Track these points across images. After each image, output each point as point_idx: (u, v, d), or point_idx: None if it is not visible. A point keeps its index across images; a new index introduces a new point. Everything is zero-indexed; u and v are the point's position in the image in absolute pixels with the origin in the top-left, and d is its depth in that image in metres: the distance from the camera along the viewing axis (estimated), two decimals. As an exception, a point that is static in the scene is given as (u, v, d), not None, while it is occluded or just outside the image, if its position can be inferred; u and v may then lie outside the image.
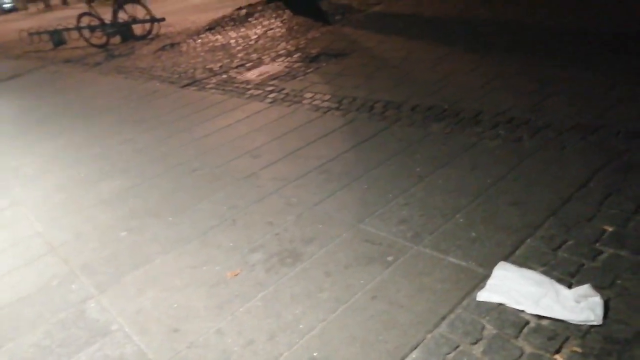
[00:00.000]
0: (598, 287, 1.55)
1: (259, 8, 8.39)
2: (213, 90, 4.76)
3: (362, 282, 1.84)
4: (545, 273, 1.67)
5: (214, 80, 5.10)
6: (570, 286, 1.59)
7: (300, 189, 2.61)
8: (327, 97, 3.84)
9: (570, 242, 1.80)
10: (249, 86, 4.59)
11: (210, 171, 3.05)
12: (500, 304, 1.59)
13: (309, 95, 3.98)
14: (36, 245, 2.61)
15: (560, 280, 1.62)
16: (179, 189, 2.91)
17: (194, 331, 1.78)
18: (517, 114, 2.84)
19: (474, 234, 1.95)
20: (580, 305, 1.47)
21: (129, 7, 9.30)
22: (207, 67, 5.74)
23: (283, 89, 4.27)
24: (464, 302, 1.64)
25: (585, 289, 1.53)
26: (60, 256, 2.46)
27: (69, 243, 2.56)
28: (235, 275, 2.02)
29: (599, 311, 1.45)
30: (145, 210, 2.75)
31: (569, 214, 1.95)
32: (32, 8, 35.83)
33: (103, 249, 2.44)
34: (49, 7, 32.91)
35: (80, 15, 9.57)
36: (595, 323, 1.43)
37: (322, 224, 2.25)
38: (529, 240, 1.85)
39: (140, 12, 9.20)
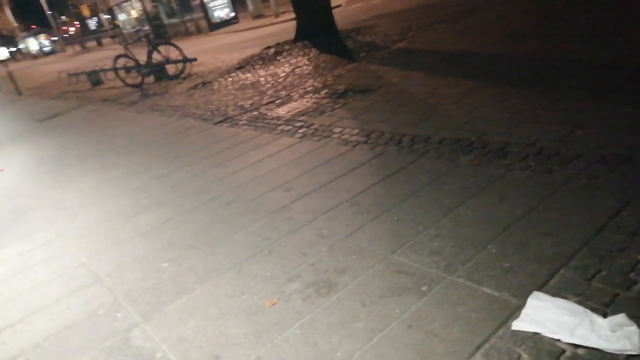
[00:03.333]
0: (634, 317, 1.56)
1: (287, 47, 8.71)
2: (245, 127, 4.94)
3: (397, 311, 1.88)
4: (580, 303, 1.69)
5: (245, 116, 5.30)
6: (605, 315, 1.60)
7: (332, 221, 2.68)
8: (356, 131, 3.95)
9: (604, 272, 1.81)
10: (279, 122, 4.75)
11: (244, 204, 3.16)
12: (536, 333, 1.61)
13: (337, 129, 4.10)
14: (81, 276, 2.73)
15: (594, 310, 1.63)
16: (215, 221, 3.03)
17: (235, 358, 1.84)
18: (547, 145, 2.88)
19: (506, 264, 1.98)
20: (616, 335, 1.48)
21: (162, 48, 9.76)
22: (239, 104, 5.96)
23: (312, 124, 4.41)
24: (499, 332, 1.67)
25: (620, 318, 1.54)
26: (105, 286, 2.57)
27: (113, 273, 2.68)
28: (273, 304, 2.09)
29: (636, 340, 1.46)
30: (182, 242, 2.87)
31: (602, 244, 1.96)
32: (69, 50, 37.78)
33: (145, 279, 2.55)
34: (85, 49, 34.64)
35: (117, 57, 10.08)
36: (632, 352, 1.44)
37: (354, 255, 2.32)
38: (562, 271, 1.87)
39: (173, 53, 9.64)
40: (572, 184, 2.44)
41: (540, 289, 1.80)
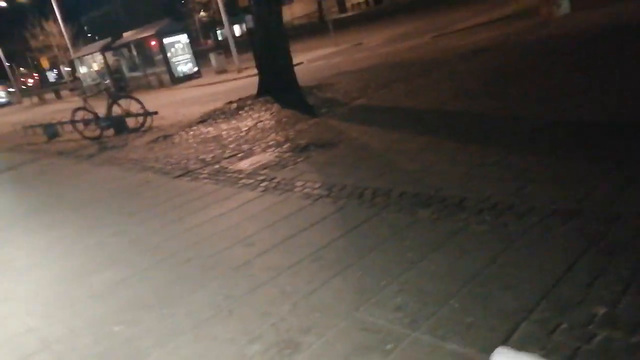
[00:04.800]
0: (594, 371, 1.58)
1: (249, 102, 8.85)
2: (206, 180, 4.90)
3: (361, 372, 1.84)
4: (543, 357, 1.70)
5: (206, 170, 5.27)
6: (567, 370, 1.62)
7: (295, 277, 2.64)
8: (318, 185, 3.98)
9: (564, 326, 1.84)
10: (240, 176, 4.74)
11: (203, 261, 3.08)
12: (501, 391, 1.60)
13: (299, 183, 4.12)
14: (29, 342, 2.55)
15: (557, 365, 1.65)
16: (173, 279, 2.92)
17: None
18: (500, 199, 2.98)
19: (469, 319, 1.99)
20: (579, 390, 1.49)
21: (123, 102, 9.71)
22: (200, 157, 5.93)
23: (274, 177, 4.42)
24: (465, 390, 1.65)
25: (582, 372, 1.55)
26: (54, 353, 2.40)
27: (63, 339, 2.51)
28: (233, 368, 2.00)
29: (598, 395, 1.46)
30: (138, 302, 2.74)
31: (560, 297, 2.01)
32: (27, 102, 36.95)
33: (97, 344, 2.40)
34: (43, 101, 33.96)
35: (75, 110, 9.93)
36: (595, 408, 1.44)
37: (318, 313, 2.27)
38: (524, 324, 1.89)
39: (134, 106, 9.59)
40: (527, 238, 2.51)
41: (503, 343, 1.81)
